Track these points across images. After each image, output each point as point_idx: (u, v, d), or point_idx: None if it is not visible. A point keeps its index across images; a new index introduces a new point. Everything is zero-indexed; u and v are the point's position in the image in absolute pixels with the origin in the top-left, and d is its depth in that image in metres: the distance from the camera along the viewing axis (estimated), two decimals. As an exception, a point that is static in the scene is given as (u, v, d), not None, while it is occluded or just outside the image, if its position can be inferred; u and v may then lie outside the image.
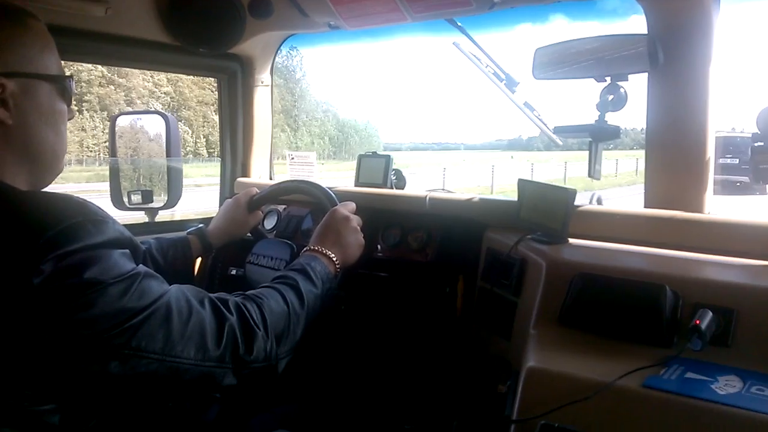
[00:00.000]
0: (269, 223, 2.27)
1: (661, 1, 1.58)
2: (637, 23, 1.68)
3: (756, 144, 1.49)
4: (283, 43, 2.53)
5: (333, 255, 1.50)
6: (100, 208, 1.02)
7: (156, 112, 2.41)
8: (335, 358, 2.01)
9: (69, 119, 1.19)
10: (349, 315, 1.93)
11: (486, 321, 1.72)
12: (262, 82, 2.55)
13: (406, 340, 1.92)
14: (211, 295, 1.16)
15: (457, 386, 1.80)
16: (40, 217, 0.93)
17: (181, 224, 2.39)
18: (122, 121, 2.46)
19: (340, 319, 1.89)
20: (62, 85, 1.15)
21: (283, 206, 2.33)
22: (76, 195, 1.02)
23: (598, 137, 1.68)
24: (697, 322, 1.15)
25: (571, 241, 1.60)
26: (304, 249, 1.53)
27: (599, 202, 1.83)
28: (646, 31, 1.63)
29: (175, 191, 2.43)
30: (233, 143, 2.60)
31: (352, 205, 1.68)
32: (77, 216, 0.95)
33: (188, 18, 2.07)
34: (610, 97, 1.64)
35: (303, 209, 2.27)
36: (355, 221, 1.61)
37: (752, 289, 1.24)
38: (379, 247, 2.05)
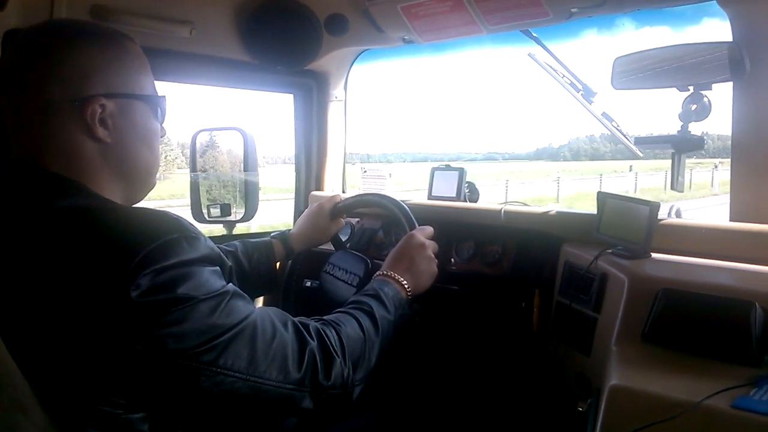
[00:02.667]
0: (343, 235, 2.31)
1: (749, 7, 1.53)
2: (711, 28, 1.63)
3: None
4: (357, 58, 2.57)
5: (405, 282, 1.50)
6: (192, 224, 1.06)
7: (234, 128, 2.48)
8: (411, 371, 2.01)
9: (161, 137, 1.24)
10: (424, 329, 1.93)
11: (564, 337, 1.68)
12: (336, 98, 2.60)
13: (481, 356, 1.90)
14: (294, 318, 1.18)
15: (535, 404, 1.77)
16: (140, 232, 0.97)
17: (258, 236, 2.45)
18: (202, 137, 2.54)
19: (416, 332, 1.89)
20: (156, 105, 1.21)
21: (356, 219, 2.35)
22: (171, 211, 1.07)
23: (681, 148, 1.63)
24: (791, 340, 1.10)
25: (654, 255, 1.55)
26: (377, 273, 1.54)
27: (678, 215, 1.77)
28: (729, 38, 1.58)
29: (251, 205, 2.50)
30: (308, 157, 2.65)
31: (430, 230, 1.67)
32: (174, 232, 0.99)
33: (267, 37, 2.14)
34: (693, 107, 1.59)
35: (376, 222, 2.29)
36: (431, 248, 1.61)
37: None
38: (452, 260, 2.05)
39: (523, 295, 1.85)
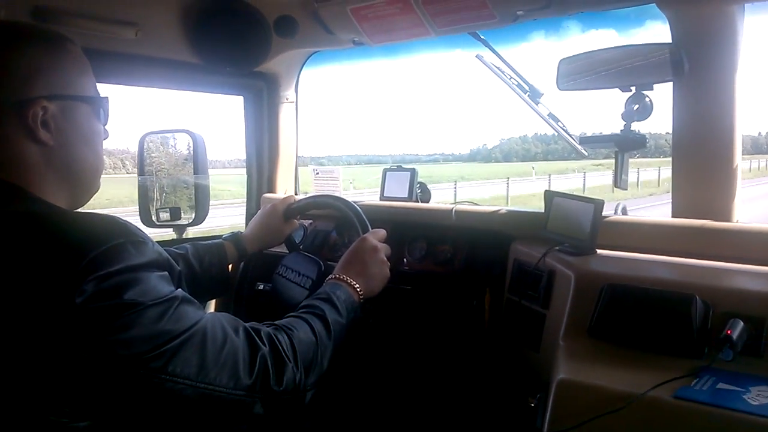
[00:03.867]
0: (296, 237, 2.30)
1: (686, 9, 1.58)
2: (654, 31, 1.68)
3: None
4: (307, 60, 2.56)
5: (357, 285, 1.51)
6: (139, 228, 1.04)
7: (183, 130, 2.44)
8: (365, 372, 2.02)
9: (104, 139, 1.22)
10: (377, 330, 1.94)
11: (514, 333, 1.71)
12: (287, 99, 2.58)
13: (433, 354, 1.92)
14: (246, 324, 1.18)
15: (487, 400, 1.80)
16: (84, 237, 0.96)
17: (210, 239, 2.42)
18: (150, 140, 2.50)
19: (369, 333, 1.90)
20: (99, 106, 1.19)
21: (310, 221, 2.35)
22: (117, 216, 1.05)
23: (624, 147, 1.68)
24: (729, 332, 1.14)
25: (599, 252, 1.59)
26: (330, 276, 1.54)
27: (624, 212, 1.82)
28: (668, 40, 1.63)
29: (202, 208, 2.47)
30: (259, 159, 2.63)
31: (383, 233, 1.68)
32: (119, 237, 0.98)
33: (215, 38, 2.12)
34: (636, 107, 1.64)
35: (329, 224, 2.29)
36: (384, 252, 1.62)
37: None
38: (405, 260, 2.06)
39: (474, 294, 1.87)
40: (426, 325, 1.94)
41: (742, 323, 1.17)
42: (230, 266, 1.91)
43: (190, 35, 2.13)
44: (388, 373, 2.01)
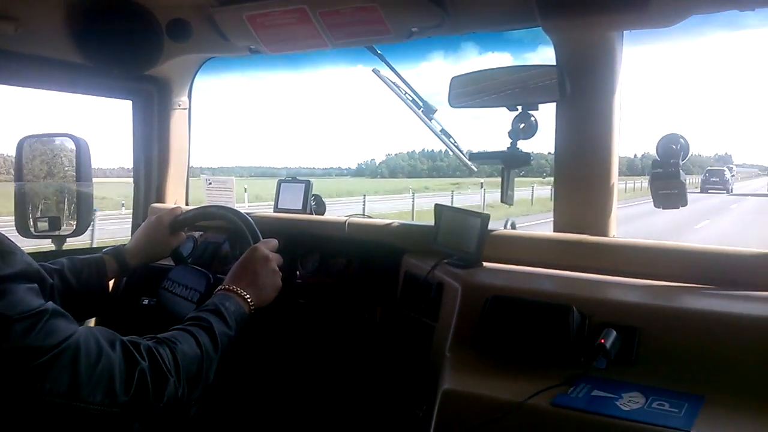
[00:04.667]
0: (185, 249, 2.22)
1: (569, 35, 1.66)
2: (547, 55, 1.75)
3: (655, 171, 1.58)
4: (202, 65, 2.50)
5: (248, 296, 1.46)
6: (7, 237, 0.98)
7: (65, 134, 2.31)
8: (257, 385, 1.98)
9: None
10: (269, 343, 1.91)
11: (405, 345, 1.73)
12: (179, 105, 2.51)
13: (326, 367, 1.91)
14: (124, 338, 1.12)
15: (377, 411, 1.80)
16: None
17: (90, 252, 2.30)
18: (30, 144, 2.35)
19: (260, 347, 1.86)
20: None
21: (200, 232, 2.28)
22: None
23: (510, 164, 1.74)
24: (602, 341, 1.20)
25: (486, 264, 1.64)
26: (218, 288, 1.49)
27: (513, 227, 1.89)
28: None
29: (84, 218, 2.34)
30: (147, 167, 2.53)
31: (274, 243, 1.65)
32: None
33: (102, 38, 2.01)
34: (522, 126, 1.70)
35: (221, 235, 2.23)
36: (275, 261, 1.58)
37: (653, 308, 1.31)
38: (298, 273, 2.04)
39: (366, 306, 1.88)
40: (319, 338, 1.92)
41: (615, 333, 1.23)
42: (112, 282, 1.81)
43: (75, 34, 2.02)
44: (280, 386, 1.97)
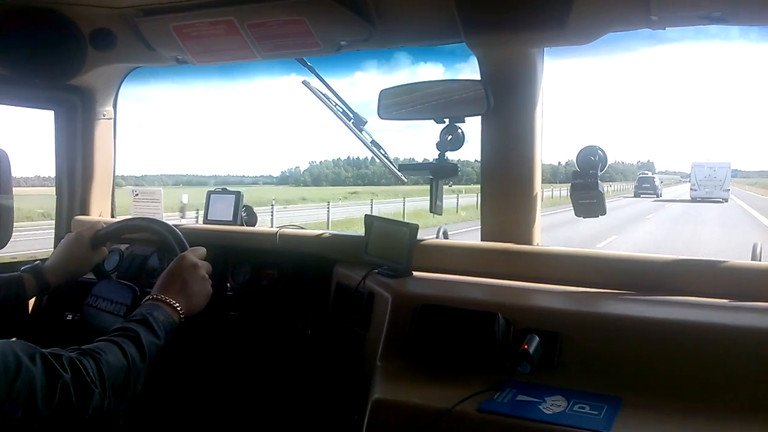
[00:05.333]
0: (110, 263, 2.16)
1: (492, 50, 1.72)
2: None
3: (575, 181, 1.65)
4: (128, 75, 2.44)
5: (177, 304, 1.44)
6: None
7: (-16, 145, 2.21)
8: (190, 398, 1.95)
9: None
10: (202, 356, 1.88)
11: (337, 355, 1.74)
12: (104, 115, 2.44)
13: (258, 378, 1.90)
14: (44, 350, 1.09)
15: (310, 421, 1.80)
16: None
17: (10, 267, 2.20)
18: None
19: (193, 360, 1.84)
20: None
21: (126, 245, 2.22)
22: None
23: (438, 174, 1.78)
24: (525, 346, 1.24)
25: (416, 274, 1.67)
26: (146, 298, 1.47)
27: (445, 235, 1.93)
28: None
29: (4, 231, 2.24)
30: (71, 178, 2.45)
31: (202, 251, 1.63)
32: None
33: (22, 48, 1.95)
34: (449, 138, 1.74)
35: (148, 248, 2.18)
36: (204, 269, 1.56)
37: (573, 313, 1.37)
38: (229, 285, 2.02)
39: (298, 316, 1.88)
40: (252, 349, 1.91)
41: (537, 338, 1.28)
42: (32, 300, 1.75)
43: (-6, 43, 1.95)
44: (212, 398, 1.95)
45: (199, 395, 1.96)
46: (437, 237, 1.90)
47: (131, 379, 1.21)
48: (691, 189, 38.36)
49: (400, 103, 1.80)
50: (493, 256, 1.69)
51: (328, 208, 21.65)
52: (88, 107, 2.41)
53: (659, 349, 1.22)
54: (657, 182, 42.80)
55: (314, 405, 1.81)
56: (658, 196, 39.29)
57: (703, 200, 35.10)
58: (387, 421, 1.19)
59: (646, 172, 54.20)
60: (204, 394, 1.96)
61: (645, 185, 41.31)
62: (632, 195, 39.44)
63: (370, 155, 2.08)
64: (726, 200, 35.07)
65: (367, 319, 1.62)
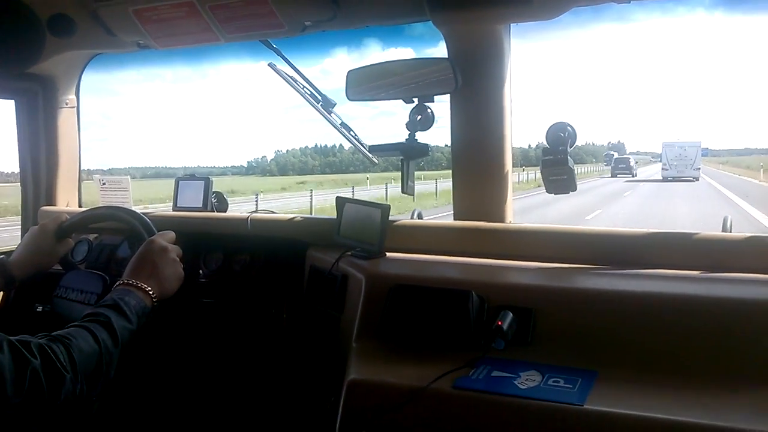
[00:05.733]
0: (79, 254, 2.13)
1: (458, 28, 1.70)
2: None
3: (545, 158, 1.65)
4: (89, 61, 2.39)
5: (149, 288, 1.43)
6: None
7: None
8: (167, 384, 1.93)
9: None
10: (177, 343, 1.87)
11: (312, 337, 1.73)
12: (66, 104, 2.39)
13: (234, 363, 1.89)
14: (12, 338, 1.08)
15: (290, 402, 1.80)
16: None
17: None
18: None
19: (169, 347, 1.82)
20: None
21: (95, 235, 2.19)
22: None
23: (409, 155, 1.76)
24: (499, 323, 1.25)
25: (389, 255, 1.66)
26: (117, 283, 1.45)
27: (420, 217, 1.92)
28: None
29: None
30: (35, 169, 2.40)
31: (171, 235, 1.61)
32: None
33: (-25, 35, 1.89)
34: (419, 117, 1.73)
35: (117, 237, 2.15)
36: (174, 252, 1.55)
37: (547, 289, 1.37)
38: (201, 272, 2.00)
39: (273, 301, 1.86)
40: (226, 335, 1.90)
41: (511, 314, 1.28)
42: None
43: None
44: (188, 382, 1.93)
45: (176, 382, 1.94)
46: (412, 218, 1.89)
47: (104, 363, 1.20)
48: (662, 169, 40.02)
49: (368, 85, 1.77)
50: (465, 234, 1.69)
51: (257, 200, 21.49)
52: (49, 96, 2.36)
53: (633, 323, 1.23)
54: (632, 162, 45.90)
55: (290, 389, 1.80)
56: (633, 176, 42.29)
57: (675, 179, 36.06)
58: (363, 401, 1.19)
59: (613, 153, 58.03)
60: (180, 380, 1.94)
61: (621, 165, 44.43)
62: (609, 175, 43.04)
63: (338, 142, 2.07)
64: (697, 179, 35.97)
65: (341, 301, 1.61)
